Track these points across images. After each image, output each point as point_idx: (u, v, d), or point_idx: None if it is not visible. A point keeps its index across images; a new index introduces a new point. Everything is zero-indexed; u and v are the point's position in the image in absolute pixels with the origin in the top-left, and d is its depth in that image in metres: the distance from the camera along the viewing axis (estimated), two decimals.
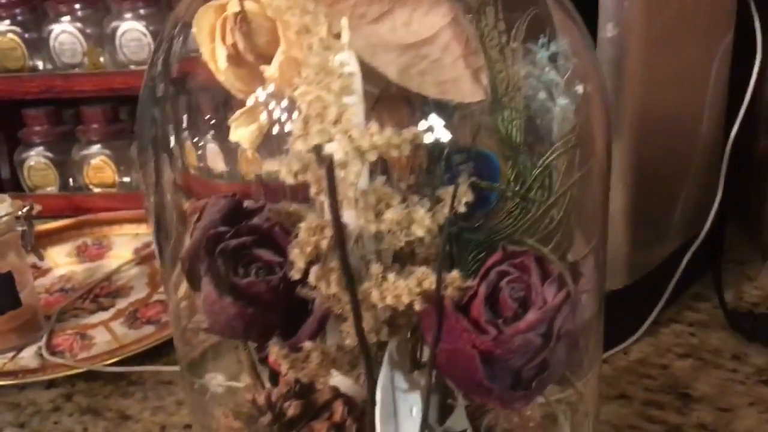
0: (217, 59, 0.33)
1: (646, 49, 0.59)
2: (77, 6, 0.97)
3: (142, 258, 0.91)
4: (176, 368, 0.67)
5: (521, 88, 0.33)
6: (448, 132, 0.34)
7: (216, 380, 0.42)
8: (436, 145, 0.36)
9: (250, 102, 0.35)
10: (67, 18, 0.97)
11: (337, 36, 0.33)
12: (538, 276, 0.30)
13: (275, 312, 0.32)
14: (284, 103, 0.33)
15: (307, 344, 0.31)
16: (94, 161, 1.02)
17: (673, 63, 0.64)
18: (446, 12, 0.35)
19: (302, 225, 0.32)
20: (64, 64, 0.99)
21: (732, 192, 0.74)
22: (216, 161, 0.43)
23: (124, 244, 0.95)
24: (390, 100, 0.37)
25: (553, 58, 0.32)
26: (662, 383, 0.61)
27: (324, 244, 0.31)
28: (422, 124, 0.33)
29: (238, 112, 0.36)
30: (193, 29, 0.33)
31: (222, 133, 0.38)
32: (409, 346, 0.35)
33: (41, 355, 0.72)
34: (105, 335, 0.76)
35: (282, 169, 0.33)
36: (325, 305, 0.32)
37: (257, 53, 0.34)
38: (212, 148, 0.43)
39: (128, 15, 0.95)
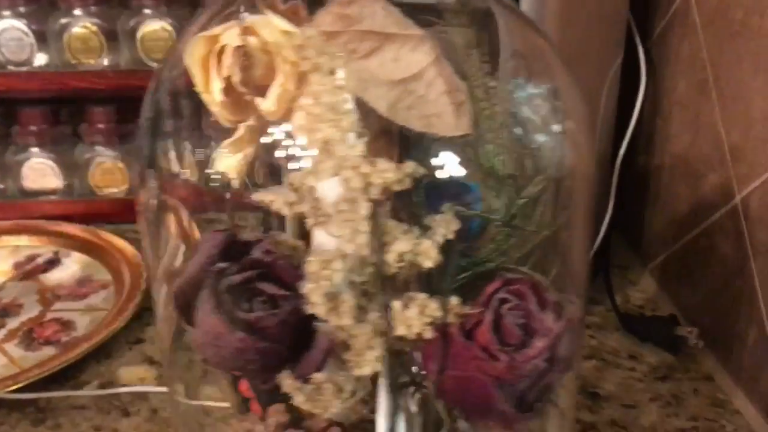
0: (212, 91, 0.33)
1: None
2: None
3: (25, 273, 0.86)
4: (89, 393, 0.64)
5: (504, 124, 0.35)
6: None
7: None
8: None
9: (239, 132, 0.35)
10: None
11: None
12: (536, 303, 0.32)
13: (281, 344, 0.32)
14: (279, 135, 0.34)
15: (319, 376, 0.31)
16: None
17: None
18: (430, 50, 0.36)
19: (312, 259, 0.32)
20: None
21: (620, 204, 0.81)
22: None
23: (3, 257, 0.89)
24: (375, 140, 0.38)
25: (535, 97, 0.35)
26: None
27: (336, 277, 0.31)
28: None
29: (226, 142, 0.35)
30: (186, 59, 0.33)
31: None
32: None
33: None
34: (1, 358, 0.71)
35: (278, 200, 0.34)
36: (330, 336, 0.32)
37: (251, 85, 0.34)
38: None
39: (7, 12, 0.89)
